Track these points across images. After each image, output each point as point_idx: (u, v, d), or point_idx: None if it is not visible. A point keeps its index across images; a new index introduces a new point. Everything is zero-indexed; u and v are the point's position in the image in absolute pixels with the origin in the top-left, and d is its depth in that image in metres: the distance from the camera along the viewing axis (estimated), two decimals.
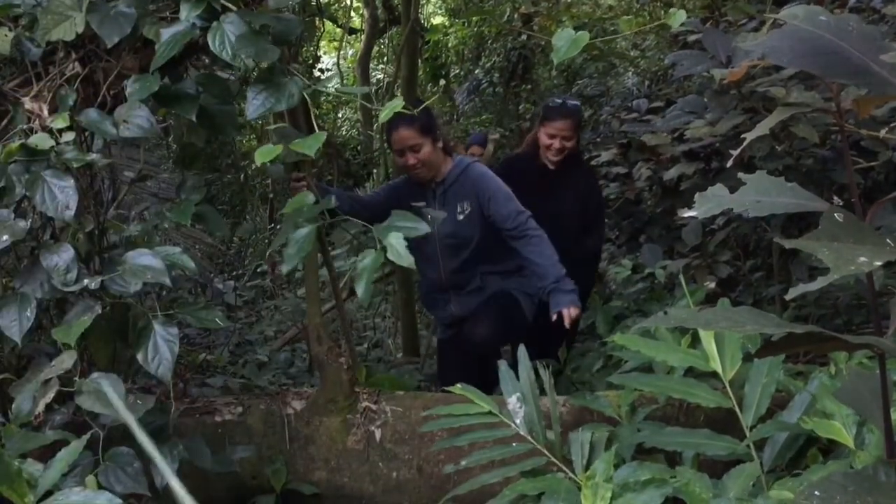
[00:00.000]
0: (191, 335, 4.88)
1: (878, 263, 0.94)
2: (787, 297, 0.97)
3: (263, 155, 2.33)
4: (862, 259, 0.93)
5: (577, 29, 2.33)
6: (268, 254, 6.44)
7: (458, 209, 3.44)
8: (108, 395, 1.99)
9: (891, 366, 1.25)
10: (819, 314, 3.69)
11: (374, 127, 9.87)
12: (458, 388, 2.44)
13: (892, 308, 1.10)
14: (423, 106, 2.95)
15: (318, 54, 10.49)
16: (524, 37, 9.47)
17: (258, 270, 7.64)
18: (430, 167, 3.42)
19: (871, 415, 1.38)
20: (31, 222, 2.30)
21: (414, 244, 2.98)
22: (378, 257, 2.40)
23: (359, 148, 11.85)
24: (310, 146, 2.33)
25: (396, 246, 2.40)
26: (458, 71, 11.58)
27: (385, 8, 10.02)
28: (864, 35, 1.15)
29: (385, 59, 12.09)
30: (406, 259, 2.39)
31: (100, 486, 2.06)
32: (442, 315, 3.73)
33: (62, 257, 2.23)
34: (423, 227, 2.53)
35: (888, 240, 0.99)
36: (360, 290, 2.40)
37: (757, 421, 2.25)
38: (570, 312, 3.21)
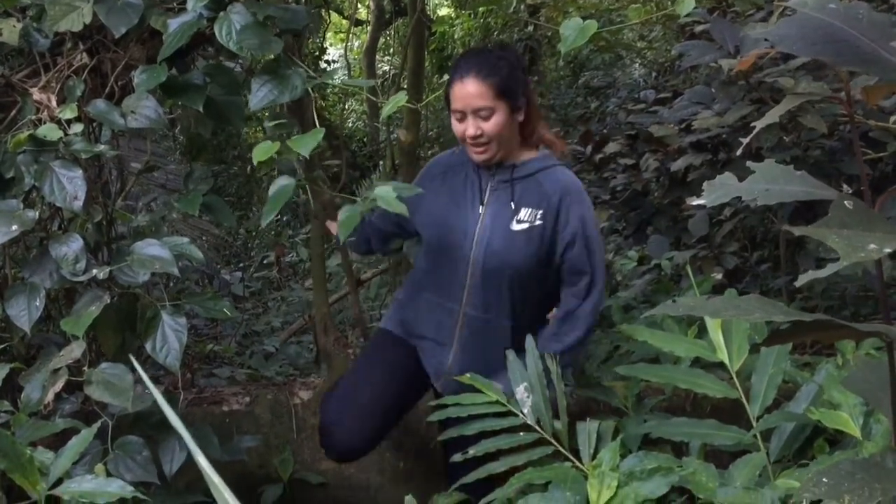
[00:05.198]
0: (198, 326, 4.90)
1: (888, 250, 0.94)
2: (797, 283, 0.97)
3: (261, 153, 2.21)
4: (872, 246, 0.93)
5: (583, 19, 2.29)
6: (260, 228, 6.35)
7: (519, 216, 2.42)
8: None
9: None
10: (826, 305, 3.69)
11: (381, 118, 9.85)
12: (466, 377, 2.44)
13: None
14: (503, 55, 2.39)
15: (325, 46, 10.49)
16: (531, 28, 9.44)
17: (265, 262, 7.64)
18: (500, 145, 2.39)
19: (878, 403, 1.38)
20: (40, 212, 2.31)
21: (441, 245, 2.53)
22: (356, 207, 2.15)
23: (365, 139, 11.85)
24: (306, 145, 2.19)
25: (384, 195, 2.11)
26: None
27: None
28: (874, 23, 1.15)
29: (391, 50, 12.07)
30: (396, 206, 2.07)
31: (109, 475, 2.08)
32: (430, 361, 2.65)
33: (71, 247, 2.23)
34: (417, 189, 2.23)
35: None
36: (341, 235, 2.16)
37: (763, 411, 2.24)
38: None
